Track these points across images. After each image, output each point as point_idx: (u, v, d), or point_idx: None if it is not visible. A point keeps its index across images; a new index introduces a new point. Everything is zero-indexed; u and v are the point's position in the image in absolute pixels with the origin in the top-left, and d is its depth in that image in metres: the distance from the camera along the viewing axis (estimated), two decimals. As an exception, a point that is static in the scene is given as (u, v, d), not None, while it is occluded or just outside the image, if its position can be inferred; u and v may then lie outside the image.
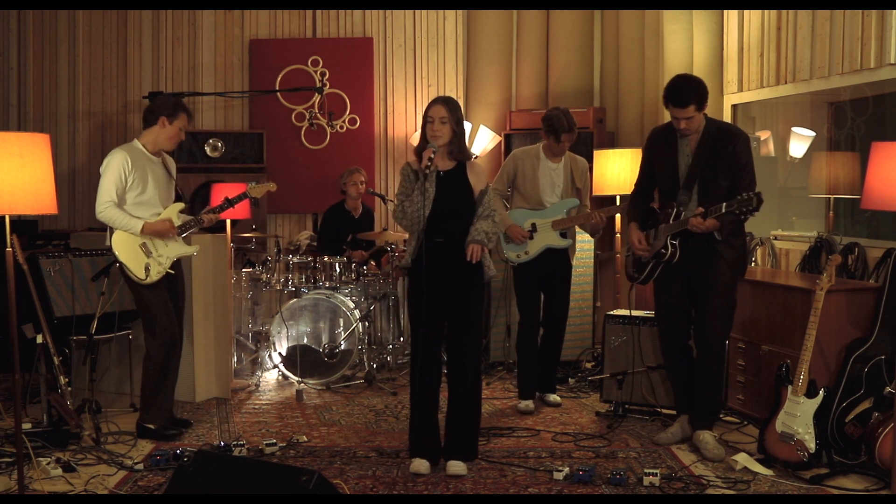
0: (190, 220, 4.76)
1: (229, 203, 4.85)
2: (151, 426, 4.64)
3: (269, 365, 6.19)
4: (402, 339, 6.55)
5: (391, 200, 6.58)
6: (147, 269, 4.57)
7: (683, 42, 6.35)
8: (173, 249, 4.70)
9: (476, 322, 4.16)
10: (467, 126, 7.30)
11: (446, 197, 4.09)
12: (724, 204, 4.14)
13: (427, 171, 4.02)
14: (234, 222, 6.23)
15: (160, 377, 4.66)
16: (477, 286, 4.16)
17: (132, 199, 4.60)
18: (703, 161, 4.33)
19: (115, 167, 4.54)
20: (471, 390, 4.16)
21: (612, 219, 6.30)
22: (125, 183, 4.56)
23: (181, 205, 4.81)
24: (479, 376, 4.20)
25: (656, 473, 3.91)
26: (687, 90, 4.25)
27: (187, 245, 4.79)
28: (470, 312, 4.13)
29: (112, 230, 4.59)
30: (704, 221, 4.22)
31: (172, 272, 4.70)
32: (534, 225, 5.25)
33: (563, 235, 5.27)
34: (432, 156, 4.01)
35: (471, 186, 4.14)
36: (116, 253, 4.57)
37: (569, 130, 5.16)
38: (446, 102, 4.10)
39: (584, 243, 6.42)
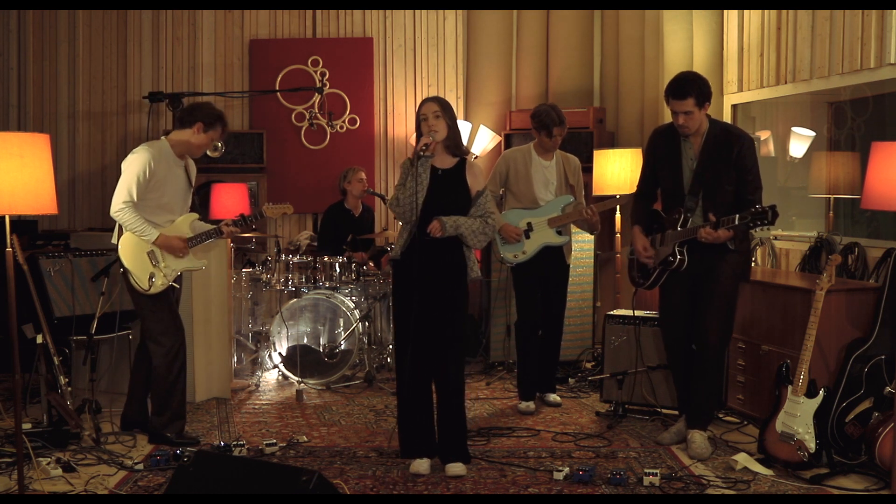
0: (205, 231, 4.58)
1: (244, 220, 4.65)
2: (169, 434, 4.54)
3: (269, 365, 6.18)
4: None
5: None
6: (151, 278, 4.40)
7: (683, 42, 6.35)
8: (181, 262, 4.52)
9: (458, 322, 4.11)
10: (467, 126, 7.31)
11: (440, 196, 4.08)
12: (738, 216, 4.03)
13: (422, 154, 4.00)
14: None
15: (173, 382, 4.54)
16: (459, 286, 4.13)
17: (152, 202, 4.41)
18: (708, 165, 4.28)
19: (138, 165, 4.33)
20: (453, 391, 4.11)
21: (613, 218, 6.30)
22: (146, 183, 4.35)
23: (195, 215, 4.66)
24: (461, 377, 4.14)
25: (656, 473, 3.91)
26: (687, 83, 4.23)
27: (196, 258, 4.61)
28: (452, 313, 4.09)
29: (121, 230, 4.42)
30: (716, 232, 4.13)
31: (178, 286, 4.56)
32: (529, 224, 5.24)
33: (560, 233, 5.27)
34: (429, 142, 4.02)
35: (468, 187, 4.14)
36: (122, 258, 4.42)
37: (559, 124, 5.16)
38: (437, 99, 4.14)
39: (584, 242, 6.41)
